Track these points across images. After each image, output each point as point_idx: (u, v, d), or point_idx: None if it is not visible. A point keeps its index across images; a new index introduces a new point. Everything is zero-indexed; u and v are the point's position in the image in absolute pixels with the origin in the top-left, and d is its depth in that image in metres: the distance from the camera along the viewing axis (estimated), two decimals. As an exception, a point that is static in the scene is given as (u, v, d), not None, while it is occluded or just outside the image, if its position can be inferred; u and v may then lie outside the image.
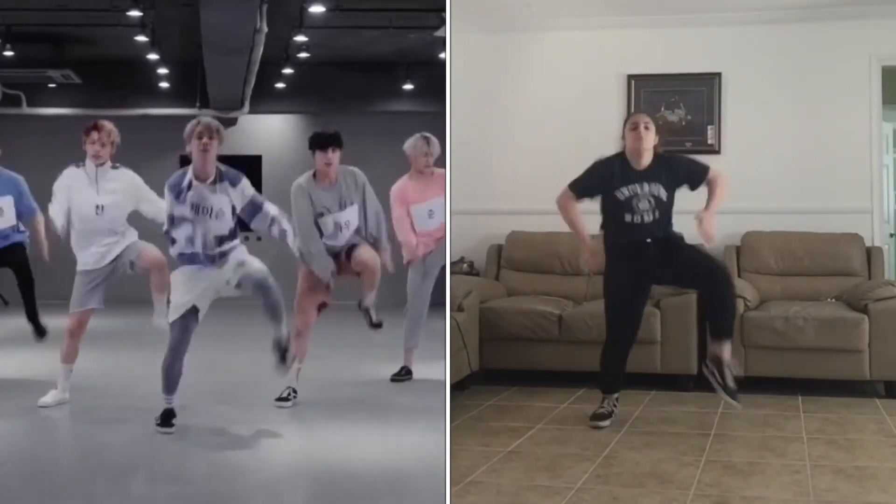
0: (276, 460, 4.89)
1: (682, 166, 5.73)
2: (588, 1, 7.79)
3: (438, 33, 7.51)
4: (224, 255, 5.33)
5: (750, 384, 6.64)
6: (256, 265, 5.38)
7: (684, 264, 5.66)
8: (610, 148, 8.04)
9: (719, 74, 7.87)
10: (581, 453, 5.11)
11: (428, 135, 6.85)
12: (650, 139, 5.59)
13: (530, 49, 8.24)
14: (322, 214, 6.09)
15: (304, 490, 4.49)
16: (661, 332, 6.75)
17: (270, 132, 13.69)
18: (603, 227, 5.78)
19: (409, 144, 6.89)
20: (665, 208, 5.62)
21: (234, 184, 5.35)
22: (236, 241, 5.41)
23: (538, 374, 6.96)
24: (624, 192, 5.58)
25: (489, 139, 8.17)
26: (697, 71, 7.91)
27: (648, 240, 5.61)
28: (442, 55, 10.35)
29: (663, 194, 5.59)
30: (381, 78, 12.31)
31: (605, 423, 5.64)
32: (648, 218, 5.58)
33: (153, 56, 10.56)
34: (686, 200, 5.73)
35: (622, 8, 7.80)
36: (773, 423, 5.76)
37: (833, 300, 7.05)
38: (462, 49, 7.58)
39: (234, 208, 5.34)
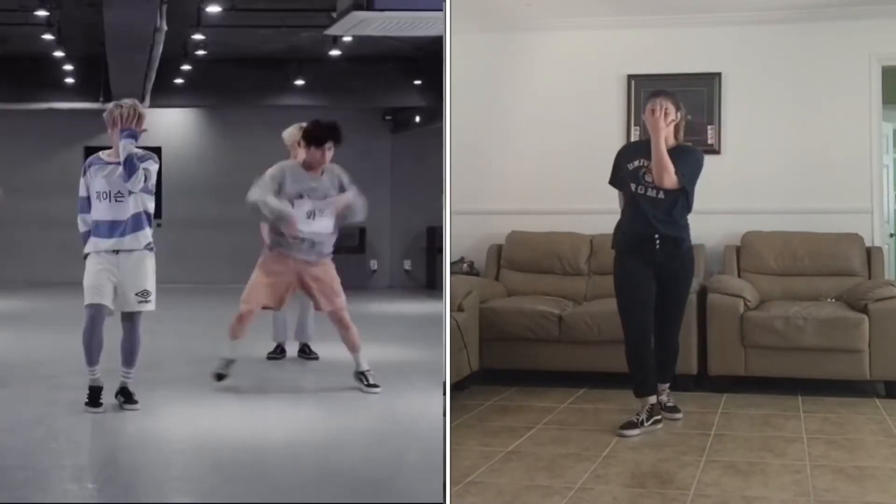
0: (275, 458, 4.88)
1: (690, 161, 5.62)
2: (588, 1, 7.79)
3: (328, 32, 7.71)
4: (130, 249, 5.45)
5: (750, 384, 6.66)
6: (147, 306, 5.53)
7: (664, 276, 5.65)
8: (610, 148, 8.09)
9: (719, 74, 7.87)
10: (581, 453, 5.11)
11: (304, 124, 6.77)
12: (670, 119, 5.57)
13: (530, 49, 8.24)
14: (301, 196, 6.07)
15: (303, 489, 4.49)
16: (661, 332, 6.74)
17: (170, 125, 14.35)
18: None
19: (287, 133, 6.97)
20: (671, 189, 5.53)
21: (143, 160, 5.45)
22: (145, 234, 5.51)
23: (538, 374, 6.97)
24: (635, 163, 5.62)
25: (489, 139, 8.17)
26: (697, 71, 7.91)
27: (656, 236, 5.57)
28: (331, 52, 10.99)
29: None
30: (274, 74, 12.85)
31: (631, 432, 5.48)
32: (652, 193, 5.55)
33: (59, 53, 11.10)
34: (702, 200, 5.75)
35: (622, 8, 7.80)
36: (773, 423, 5.76)
37: (833, 300, 7.04)
38: (462, 49, 7.58)
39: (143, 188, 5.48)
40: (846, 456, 5.05)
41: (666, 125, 5.53)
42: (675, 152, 5.53)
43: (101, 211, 5.46)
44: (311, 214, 6.10)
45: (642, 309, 5.64)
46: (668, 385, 5.95)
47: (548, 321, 6.94)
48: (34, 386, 6.24)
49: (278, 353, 7.33)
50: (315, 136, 6.12)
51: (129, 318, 5.53)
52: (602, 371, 6.76)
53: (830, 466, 4.84)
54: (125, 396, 5.54)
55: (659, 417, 5.67)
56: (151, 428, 5.24)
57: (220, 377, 6.13)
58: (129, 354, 5.56)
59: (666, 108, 5.55)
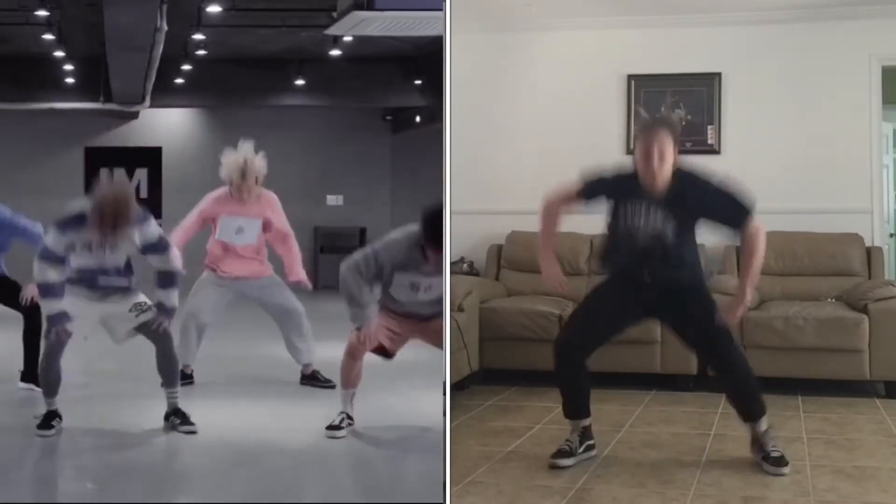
0: (274, 458, 4.89)
1: (710, 197, 4.67)
2: (588, 1, 7.79)
3: (328, 32, 7.75)
4: (115, 291, 5.14)
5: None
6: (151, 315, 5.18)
7: (690, 320, 4.87)
8: (610, 148, 8.11)
9: (719, 74, 7.87)
10: (581, 453, 5.10)
11: (247, 157, 6.22)
12: (667, 165, 4.61)
13: (530, 49, 8.25)
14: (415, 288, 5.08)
15: (302, 489, 4.49)
16: (660, 333, 6.74)
17: (170, 125, 14.51)
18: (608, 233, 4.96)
19: (230, 161, 6.24)
20: (674, 238, 4.67)
21: (140, 223, 5.02)
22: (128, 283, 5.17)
23: (538, 374, 6.95)
24: (626, 208, 4.74)
25: (489, 139, 8.17)
26: (697, 71, 7.92)
27: (647, 279, 4.76)
28: (331, 52, 11.01)
29: (670, 226, 4.66)
30: (274, 74, 12.97)
31: (565, 462, 4.84)
32: (651, 244, 4.69)
33: (59, 53, 11.18)
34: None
35: (622, 8, 7.80)
36: (773, 423, 5.74)
37: (833, 300, 7.05)
38: (462, 49, 7.58)
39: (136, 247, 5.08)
40: (846, 456, 5.05)
41: (663, 171, 4.61)
42: (678, 182, 4.65)
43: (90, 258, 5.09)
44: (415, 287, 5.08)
45: (594, 322, 4.91)
46: (762, 421, 4.89)
47: (548, 321, 6.94)
48: (34, 386, 6.24)
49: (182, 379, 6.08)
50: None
51: (153, 336, 5.21)
52: (601, 371, 6.73)
53: (830, 466, 4.84)
54: (179, 417, 5.22)
55: (592, 443, 4.99)
56: (151, 428, 5.24)
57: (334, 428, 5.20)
58: (166, 373, 5.25)
59: (663, 151, 4.60)
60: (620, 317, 5.00)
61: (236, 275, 6.40)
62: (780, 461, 4.75)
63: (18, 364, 6.19)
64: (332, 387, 6.11)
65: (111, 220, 4.81)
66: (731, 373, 4.89)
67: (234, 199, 6.35)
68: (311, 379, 6.44)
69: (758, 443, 4.87)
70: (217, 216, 6.40)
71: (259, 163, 6.28)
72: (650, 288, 4.79)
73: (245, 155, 6.25)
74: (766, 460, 4.78)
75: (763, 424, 4.88)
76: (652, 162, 4.58)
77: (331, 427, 5.17)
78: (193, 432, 5.16)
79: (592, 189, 4.87)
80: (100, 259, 5.07)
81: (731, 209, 4.67)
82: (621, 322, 5.06)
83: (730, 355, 4.86)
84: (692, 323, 4.86)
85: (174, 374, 5.30)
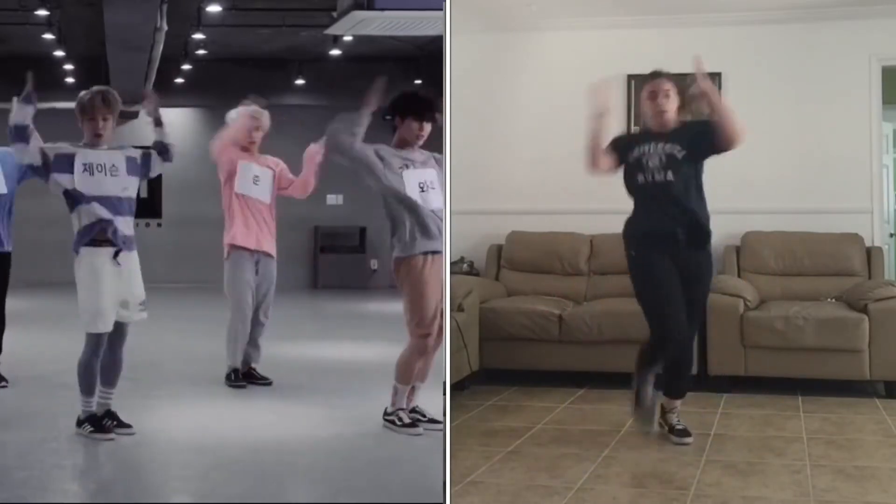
0: (275, 458, 4.89)
1: (700, 125, 5.22)
2: (588, 1, 7.79)
3: (328, 31, 7.78)
4: (127, 241, 4.86)
5: (750, 384, 6.66)
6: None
7: (691, 279, 5.15)
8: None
9: (719, 74, 7.86)
10: (581, 453, 5.11)
11: (255, 107, 6.43)
12: (672, 104, 5.19)
13: (530, 49, 8.25)
14: (407, 166, 5.12)
15: (303, 488, 4.49)
16: (661, 332, 6.73)
17: (170, 125, 14.19)
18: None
19: (232, 117, 6.45)
20: (681, 169, 5.10)
21: (123, 146, 5.03)
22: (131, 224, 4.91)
23: (538, 374, 6.97)
24: (634, 153, 5.13)
25: (489, 139, 8.17)
26: (698, 71, 7.90)
27: (678, 230, 5.07)
28: (331, 52, 11.10)
29: (678, 152, 5.10)
30: (274, 74, 13.00)
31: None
32: (660, 177, 5.07)
33: (60, 53, 11.21)
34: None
35: (622, 8, 7.80)
36: (773, 423, 5.76)
37: (833, 300, 7.05)
38: (462, 49, 7.58)
39: (128, 163, 5.06)
40: (846, 456, 5.05)
41: (669, 110, 5.18)
42: (682, 126, 5.20)
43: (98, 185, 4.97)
44: (423, 187, 5.10)
45: (679, 304, 5.08)
46: (678, 402, 5.49)
47: (548, 321, 6.94)
48: (34, 385, 6.25)
49: (236, 378, 6.24)
50: (410, 107, 5.28)
51: (121, 332, 4.95)
52: (602, 371, 6.76)
53: (830, 466, 4.84)
54: (116, 420, 5.01)
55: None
56: (151, 428, 5.23)
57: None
58: (114, 373, 4.99)
59: (668, 91, 5.20)
60: (678, 287, 5.12)
61: (265, 249, 6.22)
62: (684, 433, 5.30)
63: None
64: (269, 384, 6.20)
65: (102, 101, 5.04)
66: (683, 343, 5.21)
67: (245, 151, 6.36)
68: (249, 377, 6.27)
69: (666, 417, 5.39)
70: (235, 160, 6.33)
71: (266, 120, 6.45)
72: (683, 246, 5.07)
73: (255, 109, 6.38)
74: (672, 432, 5.32)
75: (678, 402, 5.42)
76: (658, 99, 5.12)
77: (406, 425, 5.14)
78: (132, 433, 4.99)
79: (616, 143, 5.21)
80: (102, 183, 4.95)
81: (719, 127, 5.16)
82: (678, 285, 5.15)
83: (689, 329, 5.20)
84: (691, 282, 5.13)
85: (118, 374, 5.03)
